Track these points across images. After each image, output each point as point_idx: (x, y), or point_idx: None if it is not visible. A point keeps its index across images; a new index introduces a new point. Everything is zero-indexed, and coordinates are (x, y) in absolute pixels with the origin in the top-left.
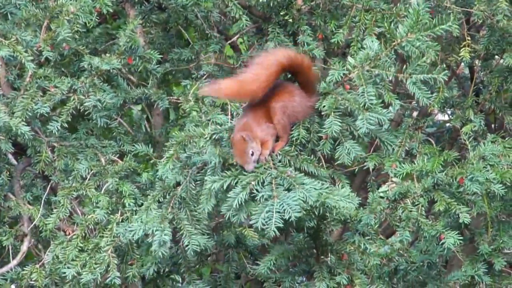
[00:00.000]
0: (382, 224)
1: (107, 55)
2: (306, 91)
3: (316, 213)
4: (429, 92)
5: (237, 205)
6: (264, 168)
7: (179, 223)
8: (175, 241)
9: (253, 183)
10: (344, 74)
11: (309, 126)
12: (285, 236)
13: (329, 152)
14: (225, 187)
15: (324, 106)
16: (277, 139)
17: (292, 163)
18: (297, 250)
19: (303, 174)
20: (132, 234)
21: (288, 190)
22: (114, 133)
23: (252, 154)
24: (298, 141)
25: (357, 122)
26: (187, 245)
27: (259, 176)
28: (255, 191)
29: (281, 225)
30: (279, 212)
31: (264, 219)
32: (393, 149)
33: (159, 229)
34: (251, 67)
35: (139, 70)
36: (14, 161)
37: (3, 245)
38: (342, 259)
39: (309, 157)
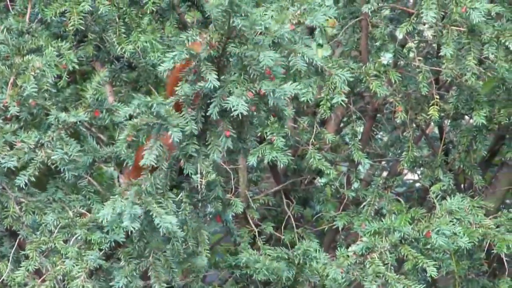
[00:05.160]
0: (352, 283)
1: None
2: None
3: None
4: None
5: None
6: None
7: (147, 205)
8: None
9: None
10: None
11: None
12: None
13: None
14: None
15: None
16: None
17: None
18: None
19: None
20: (101, 220)
21: None
22: (84, 192)
23: None
24: None
25: None
26: (158, 224)
27: None
28: None
29: None
30: None
31: None
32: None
33: (129, 205)
34: None
35: (105, 123)
36: None
37: None
38: None
39: None
